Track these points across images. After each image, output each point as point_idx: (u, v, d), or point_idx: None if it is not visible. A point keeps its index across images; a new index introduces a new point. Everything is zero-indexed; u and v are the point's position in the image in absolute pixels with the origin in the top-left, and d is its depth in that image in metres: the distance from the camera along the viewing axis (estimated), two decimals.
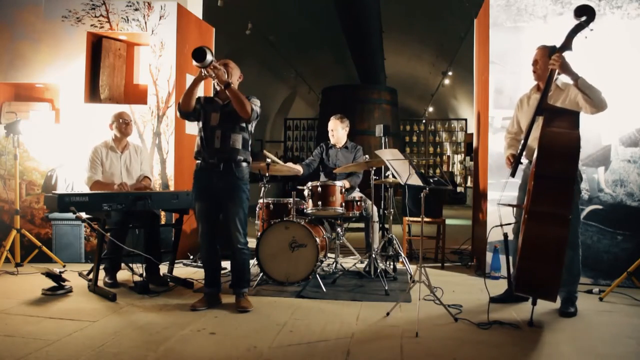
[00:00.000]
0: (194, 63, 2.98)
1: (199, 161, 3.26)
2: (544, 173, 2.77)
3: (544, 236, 2.74)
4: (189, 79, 4.92)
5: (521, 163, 3.21)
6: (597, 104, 2.99)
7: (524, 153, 3.17)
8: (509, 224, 3.40)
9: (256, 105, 3.22)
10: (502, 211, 3.35)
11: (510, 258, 3.26)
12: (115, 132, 3.98)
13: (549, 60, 3.06)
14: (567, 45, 2.99)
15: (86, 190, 3.89)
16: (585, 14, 2.96)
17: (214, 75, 3.05)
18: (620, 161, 3.91)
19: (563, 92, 3.18)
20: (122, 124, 3.97)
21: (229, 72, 3.20)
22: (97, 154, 3.92)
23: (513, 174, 3.22)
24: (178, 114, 3.27)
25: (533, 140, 3.10)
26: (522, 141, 3.15)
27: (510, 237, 3.43)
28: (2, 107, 4.77)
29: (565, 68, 2.98)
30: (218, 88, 3.22)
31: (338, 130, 4.70)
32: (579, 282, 3.24)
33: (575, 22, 3.01)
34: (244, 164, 3.25)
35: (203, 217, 3.23)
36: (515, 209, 3.32)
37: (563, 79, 3.13)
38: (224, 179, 3.17)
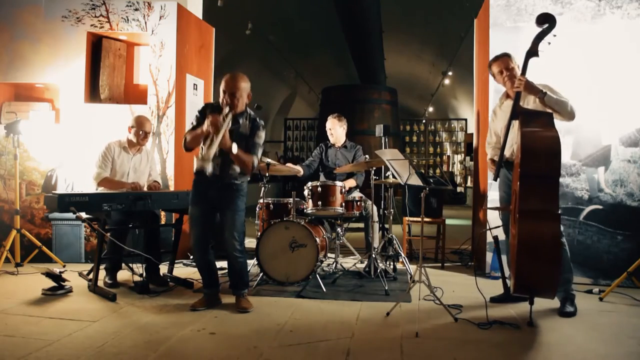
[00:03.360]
0: None
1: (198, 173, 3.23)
2: (529, 172, 2.83)
3: (538, 233, 2.77)
4: (189, 78, 4.92)
5: (502, 166, 3.29)
6: (566, 116, 3.10)
7: (504, 154, 3.24)
8: (498, 227, 3.46)
9: (259, 148, 3.20)
10: (491, 214, 3.36)
11: (504, 258, 3.27)
12: (132, 137, 3.96)
13: (514, 68, 3.25)
14: (533, 51, 3.08)
15: (87, 188, 3.87)
16: (547, 22, 3.05)
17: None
18: (620, 161, 3.91)
19: None
20: (141, 135, 3.94)
21: (236, 104, 3.07)
22: (110, 150, 3.90)
23: (495, 178, 3.32)
24: (184, 149, 3.19)
25: (510, 142, 3.22)
26: (501, 145, 3.21)
27: (503, 237, 3.45)
28: (2, 107, 4.77)
29: (530, 88, 3.07)
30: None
31: (336, 129, 4.70)
32: (578, 282, 3.24)
33: (538, 29, 3.07)
34: (243, 182, 3.25)
35: (197, 223, 3.19)
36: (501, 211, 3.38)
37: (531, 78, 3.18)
38: (222, 192, 3.16)
